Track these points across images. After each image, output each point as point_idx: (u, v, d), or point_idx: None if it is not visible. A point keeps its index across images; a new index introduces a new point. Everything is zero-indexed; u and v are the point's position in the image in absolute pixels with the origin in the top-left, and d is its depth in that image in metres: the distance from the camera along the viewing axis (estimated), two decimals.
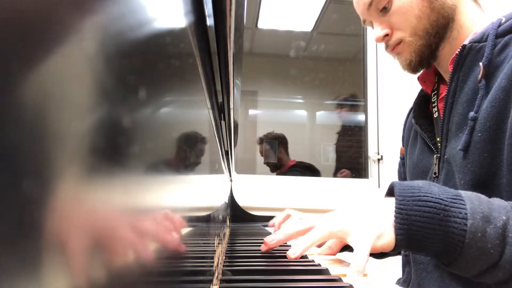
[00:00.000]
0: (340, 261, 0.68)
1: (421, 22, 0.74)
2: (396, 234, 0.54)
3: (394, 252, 0.58)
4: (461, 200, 0.54)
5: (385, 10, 0.76)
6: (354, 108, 2.57)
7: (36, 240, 0.08)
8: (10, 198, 0.07)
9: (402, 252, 0.87)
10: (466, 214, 0.52)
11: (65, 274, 0.09)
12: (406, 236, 0.54)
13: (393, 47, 0.78)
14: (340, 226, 0.58)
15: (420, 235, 0.53)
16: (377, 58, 2.12)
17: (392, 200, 0.57)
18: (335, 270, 0.58)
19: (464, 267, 0.53)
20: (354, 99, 2.58)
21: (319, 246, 0.77)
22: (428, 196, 0.54)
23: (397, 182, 0.58)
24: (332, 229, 0.59)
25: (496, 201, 0.55)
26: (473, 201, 0.54)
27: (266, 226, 1.41)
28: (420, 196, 0.54)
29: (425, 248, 0.54)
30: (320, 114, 3.16)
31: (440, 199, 0.53)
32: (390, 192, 0.60)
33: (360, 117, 2.55)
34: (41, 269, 0.08)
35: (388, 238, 0.55)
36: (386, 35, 0.77)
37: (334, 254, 0.75)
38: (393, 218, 0.55)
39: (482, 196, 0.55)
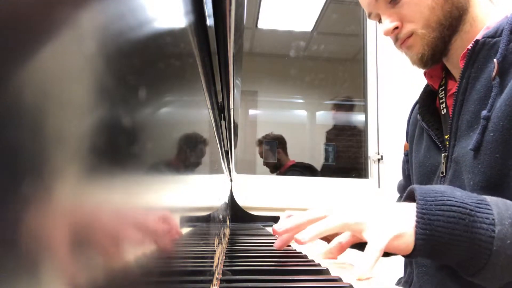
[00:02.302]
0: (343, 266, 0.65)
1: (435, 13, 0.69)
2: (417, 239, 0.51)
3: (409, 258, 0.54)
4: (487, 205, 0.51)
5: (394, 1, 0.72)
6: (349, 109, 2.61)
7: (36, 241, 0.08)
8: (10, 198, 0.07)
9: None
10: (493, 219, 0.49)
11: (65, 275, 0.09)
12: (428, 242, 0.50)
13: (404, 40, 0.73)
14: (357, 218, 0.54)
15: (444, 241, 0.49)
16: (377, 58, 2.12)
17: (413, 205, 0.54)
18: (340, 272, 0.55)
19: (490, 277, 0.49)
20: (349, 100, 2.63)
21: (328, 241, 0.72)
22: (452, 200, 0.51)
23: (417, 186, 0.55)
24: (348, 220, 0.54)
25: None
26: (499, 206, 0.51)
27: (266, 226, 1.41)
28: (443, 200, 0.51)
29: (447, 256, 0.51)
30: (320, 114, 3.16)
31: (465, 203, 0.50)
32: (409, 197, 0.57)
33: (355, 117, 2.57)
34: (41, 269, 0.08)
35: (406, 241, 0.51)
36: (396, 27, 0.73)
37: (343, 252, 0.70)
38: (415, 223, 0.51)
39: (508, 201, 0.53)
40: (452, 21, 0.70)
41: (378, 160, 2.05)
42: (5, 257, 0.07)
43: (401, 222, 0.52)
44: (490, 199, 0.52)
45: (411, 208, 0.53)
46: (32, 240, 0.07)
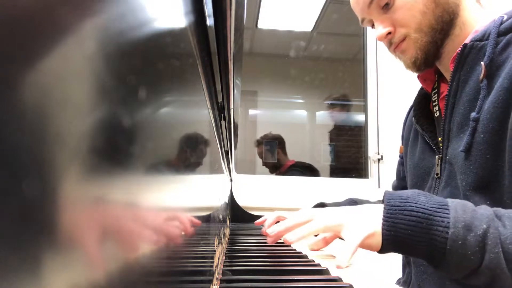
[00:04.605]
0: (332, 256, 0.74)
1: (426, 17, 0.72)
2: (383, 239, 0.59)
3: (380, 253, 0.62)
4: (446, 209, 0.56)
5: (387, 6, 0.74)
6: (346, 108, 2.62)
7: (37, 240, 0.08)
8: (11, 198, 0.07)
9: None
10: (448, 223, 0.54)
11: (65, 274, 0.09)
12: (392, 242, 0.58)
13: (397, 45, 0.75)
14: (336, 221, 0.64)
15: (405, 242, 0.57)
16: (377, 58, 2.12)
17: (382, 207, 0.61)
18: (325, 264, 0.64)
19: (449, 271, 0.56)
20: (345, 99, 2.63)
21: (315, 236, 0.83)
22: (413, 206, 0.57)
23: (388, 192, 0.62)
24: (328, 223, 0.65)
25: (481, 210, 0.56)
26: (457, 210, 0.56)
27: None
28: (406, 205, 0.58)
29: (411, 252, 0.58)
30: (320, 114, 3.16)
31: (425, 208, 0.57)
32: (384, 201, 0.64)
33: (354, 117, 2.57)
34: (41, 269, 0.08)
35: (377, 239, 0.59)
36: (389, 33, 0.75)
37: (327, 245, 0.80)
38: (381, 225, 0.59)
39: (469, 205, 0.57)
40: (443, 25, 0.72)
41: (378, 160, 2.05)
42: (6, 257, 0.07)
43: (372, 222, 0.60)
44: (452, 203, 0.57)
45: (381, 211, 0.61)
46: (33, 240, 0.08)
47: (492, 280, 0.53)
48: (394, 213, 0.58)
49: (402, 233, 0.57)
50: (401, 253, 0.61)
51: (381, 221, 0.59)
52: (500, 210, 0.56)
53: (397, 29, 0.74)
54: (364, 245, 0.60)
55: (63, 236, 0.09)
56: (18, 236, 0.07)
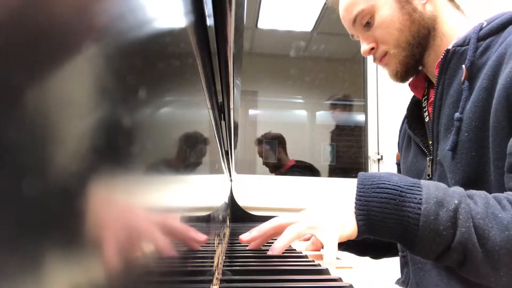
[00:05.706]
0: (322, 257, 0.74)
1: (403, 34, 0.77)
2: (357, 220, 0.59)
3: (358, 238, 0.61)
4: (418, 187, 0.58)
5: (368, 25, 0.80)
6: (347, 108, 2.62)
7: (37, 241, 0.08)
8: (12, 198, 0.07)
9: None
10: (420, 199, 0.56)
11: (64, 274, 0.09)
12: (366, 221, 0.58)
13: (380, 59, 0.82)
14: (306, 224, 0.64)
15: (378, 219, 0.57)
16: None
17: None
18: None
19: (423, 250, 0.56)
20: (347, 99, 2.64)
21: (307, 240, 0.84)
22: (386, 184, 0.59)
23: (361, 173, 0.63)
24: (300, 229, 0.64)
25: (453, 188, 0.58)
26: (430, 188, 0.57)
27: None
28: (378, 184, 0.59)
29: (386, 232, 0.58)
30: (320, 114, 3.16)
31: (397, 186, 0.58)
32: None
33: (355, 117, 2.57)
34: (41, 270, 0.08)
35: (351, 225, 0.60)
36: (372, 48, 0.81)
37: (319, 250, 0.81)
38: (354, 205, 0.60)
39: (441, 184, 0.59)
40: (421, 40, 0.78)
41: (378, 160, 2.05)
42: (6, 257, 0.07)
43: (343, 211, 0.61)
44: (424, 182, 0.59)
45: (352, 199, 0.61)
46: (34, 240, 0.08)
47: (465, 257, 0.54)
48: (367, 192, 0.59)
49: (374, 211, 0.58)
50: (376, 235, 0.60)
51: (353, 205, 0.60)
52: (472, 191, 0.58)
53: (379, 45, 0.80)
54: (344, 237, 0.60)
55: (62, 236, 0.09)
56: (18, 236, 0.07)
